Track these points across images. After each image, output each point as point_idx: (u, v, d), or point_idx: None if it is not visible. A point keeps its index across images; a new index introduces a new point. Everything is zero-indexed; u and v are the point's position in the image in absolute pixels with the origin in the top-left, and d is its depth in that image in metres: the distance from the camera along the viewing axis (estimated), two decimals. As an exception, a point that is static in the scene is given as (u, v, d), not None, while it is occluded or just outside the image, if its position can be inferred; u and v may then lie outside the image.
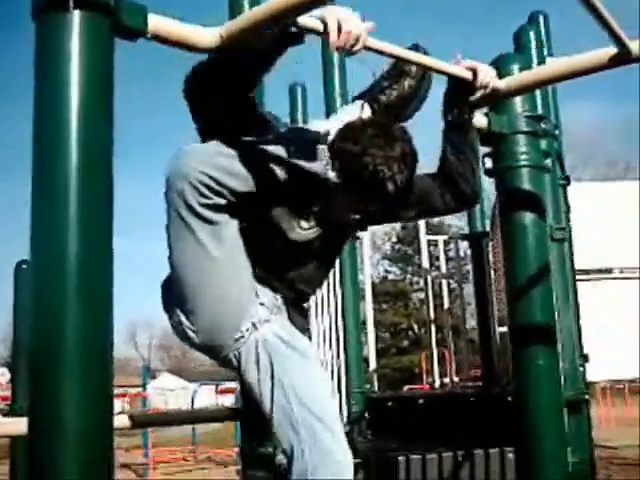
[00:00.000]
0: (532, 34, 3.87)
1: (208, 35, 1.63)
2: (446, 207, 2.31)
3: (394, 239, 34.41)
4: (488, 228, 6.84)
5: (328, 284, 5.23)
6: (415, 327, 31.93)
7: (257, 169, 1.90)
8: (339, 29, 1.70)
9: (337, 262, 5.17)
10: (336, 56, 5.15)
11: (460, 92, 2.19)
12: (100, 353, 1.25)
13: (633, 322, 6.66)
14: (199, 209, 1.86)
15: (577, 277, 4.52)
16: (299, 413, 1.94)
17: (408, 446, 4.48)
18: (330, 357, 5.18)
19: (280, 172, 1.92)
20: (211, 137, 1.95)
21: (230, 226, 1.96)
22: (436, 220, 21.73)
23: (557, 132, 4.14)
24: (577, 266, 4.57)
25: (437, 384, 7.52)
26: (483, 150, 2.48)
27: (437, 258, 8.67)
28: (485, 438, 4.42)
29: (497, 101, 2.28)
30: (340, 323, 5.28)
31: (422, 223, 8.16)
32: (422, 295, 30.02)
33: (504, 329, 6.37)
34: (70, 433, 1.19)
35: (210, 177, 1.83)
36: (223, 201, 1.88)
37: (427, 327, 7.83)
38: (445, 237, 8.61)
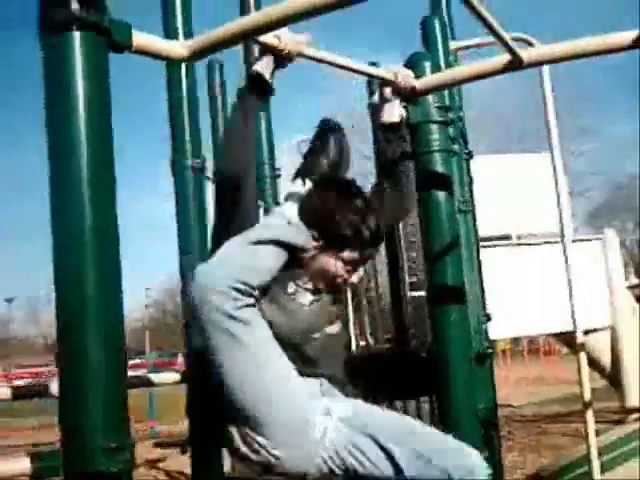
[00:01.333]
0: (437, 23, 3.71)
1: (179, 48, 1.91)
2: (399, 207, 2.65)
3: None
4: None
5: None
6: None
7: (267, 257, 2.06)
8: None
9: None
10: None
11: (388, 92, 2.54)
12: (114, 319, 1.53)
13: (532, 284, 7.16)
14: (236, 313, 1.96)
15: (481, 244, 4.94)
16: (421, 450, 2.03)
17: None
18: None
19: (283, 255, 2.10)
20: (226, 236, 2.10)
21: (261, 323, 2.05)
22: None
23: (461, 114, 4.51)
24: (482, 234, 4.98)
25: (353, 347, 7.93)
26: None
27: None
28: (403, 392, 4.81)
29: (415, 98, 2.63)
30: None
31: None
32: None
33: (415, 293, 6.79)
34: (95, 384, 1.46)
35: (236, 280, 1.96)
36: (252, 300, 2.00)
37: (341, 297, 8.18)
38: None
